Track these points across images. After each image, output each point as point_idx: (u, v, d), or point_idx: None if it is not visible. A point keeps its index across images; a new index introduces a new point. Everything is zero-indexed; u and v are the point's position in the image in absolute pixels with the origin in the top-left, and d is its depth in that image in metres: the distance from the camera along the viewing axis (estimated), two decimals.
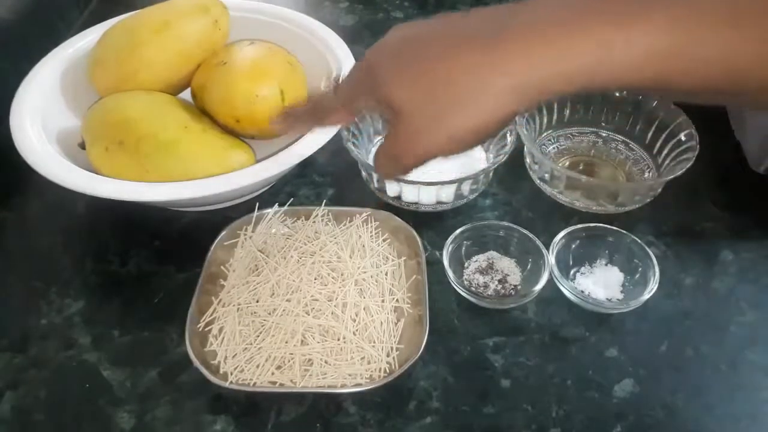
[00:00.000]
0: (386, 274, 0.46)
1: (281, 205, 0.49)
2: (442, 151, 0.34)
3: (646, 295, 0.44)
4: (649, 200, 0.52)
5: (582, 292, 0.46)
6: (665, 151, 0.53)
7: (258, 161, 0.48)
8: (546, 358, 0.43)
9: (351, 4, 0.77)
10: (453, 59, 0.31)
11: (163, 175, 0.46)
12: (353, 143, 0.52)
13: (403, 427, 0.40)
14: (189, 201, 0.49)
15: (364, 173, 0.53)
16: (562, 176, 0.51)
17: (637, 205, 0.52)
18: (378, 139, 0.57)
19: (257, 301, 0.43)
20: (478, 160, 0.54)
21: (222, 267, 0.46)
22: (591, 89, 0.30)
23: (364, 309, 0.43)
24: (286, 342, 0.41)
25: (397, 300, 0.44)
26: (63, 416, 0.41)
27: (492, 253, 0.49)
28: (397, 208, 0.51)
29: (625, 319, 0.45)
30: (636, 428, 0.40)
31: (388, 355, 0.41)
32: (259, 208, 0.49)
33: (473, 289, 0.46)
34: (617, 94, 0.56)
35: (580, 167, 0.56)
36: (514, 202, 0.53)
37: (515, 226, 0.48)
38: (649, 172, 0.54)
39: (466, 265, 0.48)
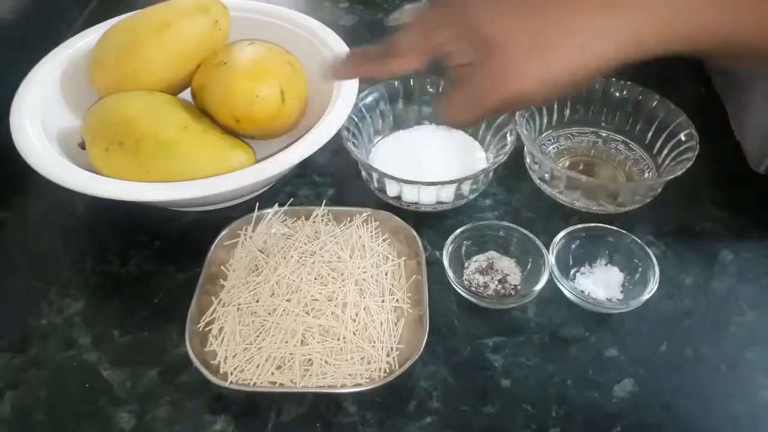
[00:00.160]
0: (386, 274, 0.46)
1: (281, 205, 0.49)
2: (531, 92, 0.32)
3: (646, 295, 0.44)
4: (649, 200, 0.52)
5: (582, 292, 0.46)
6: (665, 151, 0.53)
7: (258, 161, 0.48)
8: (546, 358, 0.43)
9: (351, 4, 0.77)
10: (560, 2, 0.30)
11: (163, 175, 0.46)
12: (353, 143, 0.52)
13: (403, 427, 0.40)
14: (189, 201, 0.49)
15: (364, 173, 0.53)
16: (562, 176, 0.51)
17: (637, 205, 0.52)
18: (378, 139, 0.57)
19: (257, 301, 0.43)
20: (478, 160, 0.54)
21: (222, 267, 0.46)
22: (682, 51, 0.30)
23: (364, 309, 0.43)
24: (286, 342, 0.41)
25: (397, 300, 0.44)
26: (63, 416, 0.41)
27: (492, 253, 0.49)
28: (397, 208, 0.51)
29: (625, 319, 0.45)
30: (636, 428, 0.40)
31: (388, 355, 0.41)
32: (259, 208, 0.49)
33: (473, 289, 0.46)
34: (617, 94, 0.56)
35: (580, 167, 0.56)
36: (514, 202, 0.53)
37: (515, 226, 0.48)
38: (649, 172, 0.54)
39: (466, 265, 0.48)
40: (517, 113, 0.53)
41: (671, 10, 0.30)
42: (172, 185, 0.44)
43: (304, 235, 0.47)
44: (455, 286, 0.46)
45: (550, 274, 0.46)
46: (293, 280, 0.44)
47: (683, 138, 0.52)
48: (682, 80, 0.63)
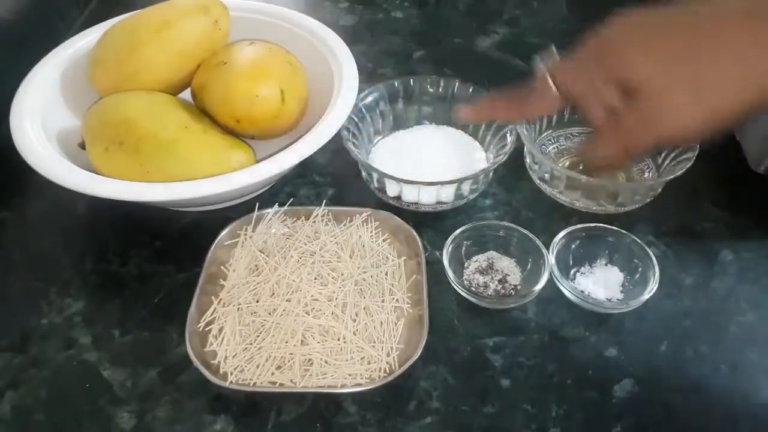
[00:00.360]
0: (386, 274, 0.46)
1: (281, 205, 0.49)
2: (687, 133, 0.32)
3: (646, 295, 0.44)
4: (649, 200, 0.52)
5: (582, 292, 0.46)
6: (665, 151, 0.53)
7: (258, 161, 0.48)
8: (546, 357, 0.43)
9: (351, 4, 0.77)
10: (717, 40, 0.31)
11: (163, 175, 0.46)
12: (353, 143, 0.52)
13: (403, 427, 0.40)
14: (189, 201, 0.49)
15: (364, 173, 0.53)
16: (562, 176, 0.51)
17: (637, 205, 0.52)
18: (378, 139, 0.57)
19: (257, 301, 0.43)
20: (478, 160, 0.54)
21: (222, 267, 0.46)
22: None
23: (364, 309, 0.43)
24: (286, 342, 0.41)
25: (396, 300, 0.44)
26: (63, 416, 0.41)
27: (492, 253, 0.49)
28: (397, 208, 0.51)
29: (625, 319, 0.45)
30: (635, 428, 0.40)
31: (388, 355, 0.41)
32: (259, 208, 0.49)
33: (473, 289, 0.46)
34: None
35: (580, 167, 0.55)
36: (514, 202, 0.53)
37: (515, 226, 0.48)
38: (649, 172, 0.54)
39: (466, 265, 0.48)
40: None
41: None
42: (172, 185, 0.44)
43: (304, 235, 0.47)
44: (455, 286, 0.46)
45: (550, 274, 0.46)
46: (293, 280, 0.44)
47: None
48: None
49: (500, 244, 0.49)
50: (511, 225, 0.49)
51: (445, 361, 0.43)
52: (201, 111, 0.52)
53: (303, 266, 0.44)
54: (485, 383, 0.42)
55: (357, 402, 0.41)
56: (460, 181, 0.49)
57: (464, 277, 0.47)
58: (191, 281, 0.45)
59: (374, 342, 0.42)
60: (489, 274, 0.47)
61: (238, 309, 0.43)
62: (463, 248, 0.48)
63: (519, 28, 0.74)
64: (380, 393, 0.41)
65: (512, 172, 0.55)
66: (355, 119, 0.53)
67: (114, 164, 0.47)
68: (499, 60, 0.69)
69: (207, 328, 0.43)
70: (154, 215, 0.51)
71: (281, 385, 0.40)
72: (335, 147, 0.50)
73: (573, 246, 0.48)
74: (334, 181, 0.55)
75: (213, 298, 0.44)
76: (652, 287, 0.44)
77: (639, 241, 0.47)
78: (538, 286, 0.45)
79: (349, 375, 0.40)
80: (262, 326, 0.42)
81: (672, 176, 0.49)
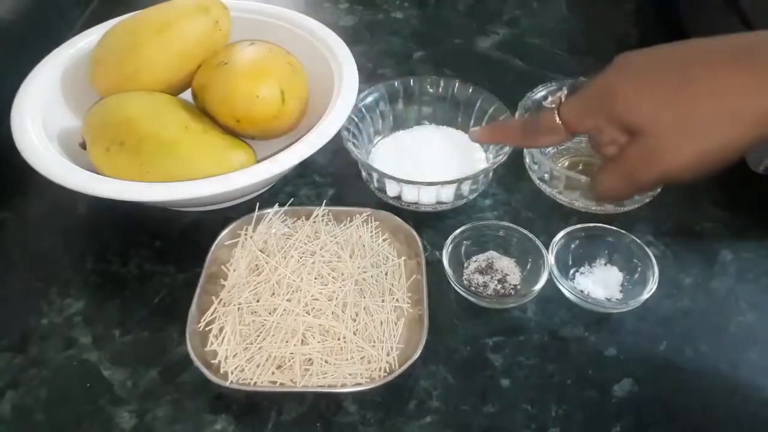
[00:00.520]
0: (386, 274, 0.46)
1: (281, 205, 0.49)
2: (688, 169, 0.34)
3: (646, 295, 0.44)
4: (648, 200, 0.52)
5: (581, 291, 0.46)
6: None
7: (258, 161, 0.48)
8: (546, 357, 0.43)
9: (351, 5, 0.77)
10: (710, 79, 0.32)
11: (163, 175, 0.46)
12: (353, 143, 0.52)
13: (403, 427, 0.40)
14: (189, 201, 0.49)
15: (364, 173, 0.53)
16: (562, 176, 0.51)
17: (636, 205, 0.52)
18: (378, 139, 0.57)
19: (257, 301, 0.43)
20: (478, 160, 0.54)
21: (222, 267, 0.46)
22: None
23: (364, 309, 0.43)
24: (287, 342, 0.41)
25: (397, 300, 0.44)
26: (63, 416, 0.41)
27: (492, 253, 0.49)
28: (397, 208, 0.51)
29: (624, 319, 0.45)
30: (635, 428, 0.40)
31: (388, 355, 0.41)
32: (259, 208, 0.49)
33: (473, 288, 0.46)
34: None
35: (580, 167, 0.56)
36: (513, 202, 0.54)
37: (515, 226, 0.48)
38: None
39: (465, 264, 0.48)
40: (517, 113, 0.53)
41: None
42: (172, 185, 0.44)
43: (304, 235, 0.47)
44: (455, 286, 0.46)
45: (550, 274, 0.46)
46: (293, 280, 0.44)
47: None
48: None
49: (500, 244, 0.49)
50: (510, 225, 0.49)
51: (445, 361, 0.43)
52: (201, 111, 0.52)
53: (303, 266, 0.44)
54: (485, 383, 0.42)
55: (357, 401, 0.41)
56: (460, 181, 0.49)
57: (464, 277, 0.47)
58: (191, 281, 0.45)
59: (374, 342, 0.42)
60: (489, 273, 0.47)
61: (239, 309, 0.43)
62: (463, 248, 0.48)
63: (519, 28, 0.74)
64: (380, 392, 0.41)
65: (512, 172, 0.55)
66: (355, 119, 0.53)
67: (115, 164, 0.47)
68: (499, 60, 0.69)
69: (207, 328, 0.43)
70: (155, 215, 0.52)
71: (281, 384, 0.40)
72: (335, 147, 0.50)
73: (572, 246, 0.48)
74: (334, 181, 0.55)
75: (213, 297, 0.44)
76: (652, 287, 0.44)
77: (638, 241, 0.47)
78: (538, 286, 0.45)
79: (349, 375, 0.40)
80: (263, 326, 0.42)
81: None
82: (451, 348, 0.44)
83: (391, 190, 0.51)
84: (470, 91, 0.56)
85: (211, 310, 0.43)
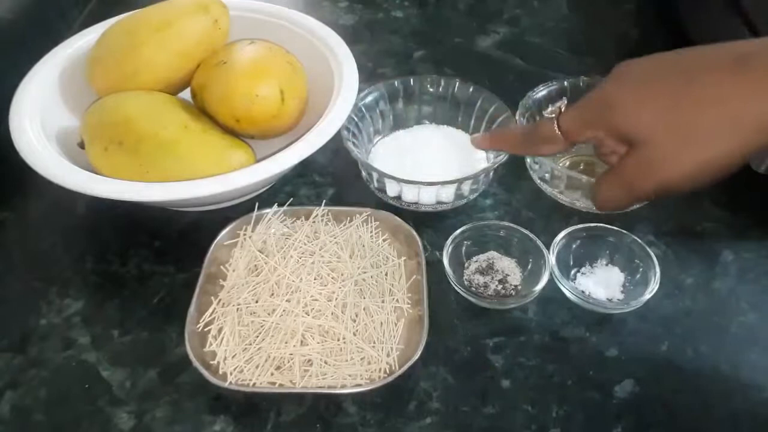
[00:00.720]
0: (386, 274, 0.46)
1: (281, 205, 0.49)
2: (688, 178, 0.34)
3: (647, 296, 0.44)
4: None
5: (582, 292, 0.46)
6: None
7: (258, 161, 0.48)
8: (546, 358, 0.43)
9: (350, 4, 0.77)
10: (710, 86, 0.32)
11: (162, 175, 0.45)
12: (353, 143, 0.52)
13: (403, 428, 0.40)
14: (188, 201, 0.49)
15: (364, 173, 0.53)
16: (563, 176, 0.51)
17: (637, 205, 0.52)
18: (378, 139, 0.57)
19: (257, 302, 0.43)
20: (478, 160, 0.54)
21: (222, 267, 0.46)
22: None
23: (363, 309, 0.43)
24: (286, 342, 0.41)
25: (397, 300, 0.44)
26: (63, 416, 0.41)
27: (492, 253, 0.49)
28: (397, 208, 0.51)
29: (625, 320, 0.45)
30: (636, 428, 0.40)
31: (388, 356, 0.41)
32: (258, 208, 0.49)
33: (473, 289, 0.46)
34: None
35: (581, 167, 0.56)
36: (514, 202, 0.53)
37: (515, 226, 0.48)
38: None
39: (466, 265, 0.48)
40: (517, 113, 0.53)
41: None
42: (172, 185, 0.44)
43: (303, 235, 0.47)
44: (455, 286, 0.46)
45: (551, 274, 0.46)
46: (293, 281, 0.43)
47: None
48: None
49: (500, 244, 0.49)
50: (511, 225, 0.49)
51: (445, 362, 0.43)
52: (201, 111, 0.51)
53: (303, 266, 0.44)
54: (485, 384, 0.42)
55: (357, 402, 0.41)
56: (460, 181, 0.49)
57: (464, 277, 0.47)
58: (191, 281, 0.45)
59: (374, 342, 0.42)
60: (489, 274, 0.47)
61: (238, 309, 0.43)
62: (463, 248, 0.48)
63: (519, 27, 0.74)
64: (380, 393, 0.41)
65: (512, 172, 0.55)
66: (355, 119, 0.53)
67: (113, 164, 0.47)
68: (500, 59, 0.69)
69: (206, 329, 0.43)
70: (154, 215, 0.51)
71: (281, 385, 0.40)
72: (335, 147, 0.50)
73: (573, 246, 0.48)
74: (334, 181, 0.55)
75: (212, 298, 0.44)
76: (653, 287, 0.44)
77: (640, 241, 0.47)
78: (539, 287, 0.45)
79: (349, 375, 0.40)
80: (262, 326, 0.42)
81: None
82: (452, 349, 0.44)
83: (391, 190, 0.51)
84: (471, 90, 0.56)
85: (210, 310, 0.43)
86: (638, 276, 0.46)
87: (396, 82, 0.56)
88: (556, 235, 0.47)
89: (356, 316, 0.43)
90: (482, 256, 0.48)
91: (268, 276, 0.44)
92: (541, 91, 0.55)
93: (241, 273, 0.45)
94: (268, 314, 0.42)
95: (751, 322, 0.45)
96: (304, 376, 0.40)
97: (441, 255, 0.47)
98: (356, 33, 0.72)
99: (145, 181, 0.44)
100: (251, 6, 0.59)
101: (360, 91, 0.52)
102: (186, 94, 0.53)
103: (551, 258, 0.46)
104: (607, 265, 0.48)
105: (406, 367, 0.40)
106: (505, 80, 0.66)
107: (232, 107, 0.49)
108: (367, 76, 0.64)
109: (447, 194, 0.51)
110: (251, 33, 0.54)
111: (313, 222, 0.48)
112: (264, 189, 0.53)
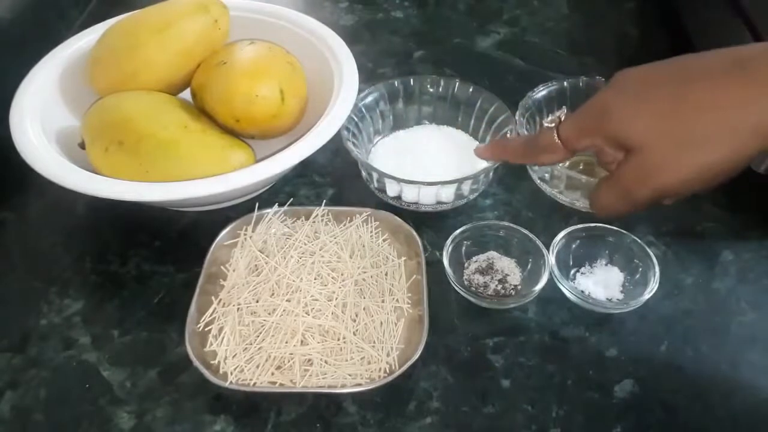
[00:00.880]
0: (386, 274, 0.46)
1: (281, 205, 0.49)
2: (683, 184, 0.34)
3: (647, 296, 0.44)
4: None
5: (582, 292, 0.46)
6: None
7: (258, 161, 0.48)
8: (546, 358, 0.43)
9: (351, 4, 0.77)
10: (709, 92, 0.32)
11: (162, 175, 0.45)
12: (353, 143, 0.52)
13: (403, 427, 0.40)
14: (188, 201, 0.49)
15: (364, 173, 0.53)
16: (562, 176, 0.51)
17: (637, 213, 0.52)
18: (378, 139, 0.57)
19: (257, 301, 0.43)
20: (478, 160, 0.54)
21: (222, 267, 0.46)
22: None
23: (364, 309, 0.43)
24: (286, 342, 0.41)
25: (397, 300, 0.44)
26: (63, 416, 0.41)
27: (492, 253, 0.49)
28: (397, 208, 0.51)
29: (625, 320, 0.45)
30: (636, 428, 0.40)
31: (388, 355, 0.41)
32: (259, 208, 0.49)
33: (473, 289, 0.46)
34: None
35: (580, 167, 0.56)
36: (514, 202, 0.53)
37: (515, 226, 0.48)
38: None
39: (466, 265, 0.48)
40: (517, 113, 0.53)
41: None
42: (172, 185, 0.44)
43: (303, 235, 0.47)
44: (455, 286, 0.46)
45: (551, 274, 0.46)
46: (293, 280, 0.43)
47: None
48: None
49: (500, 244, 0.49)
50: (511, 225, 0.49)
51: (445, 362, 0.43)
52: (201, 111, 0.51)
53: (303, 266, 0.44)
54: (485, 383, 0.42)
55: (357, 402, 0.41)
56: (460, 181, 0.49)
57: (464, 277, 0.47)
58: (191, 281, 0.45)
59: (374, 342, 0.42)
60: (489, 274, 0.47)
61: (238, 309, 0.43)
62: (463, 248, 0.48)
63: (519, 27, 0.74)
64: (380, 393, 0.41)
65: (512, 172, 0.55)
66: (355, 119, 0.53)
67: (114, 164, 0.47)
68: (500, 60, 0.69)
69: (207, 328, 0.43)
70: (154, 215, 0.51)
71: (281, 385, 0.40)
72: (335, 147, 0.50)
73: (573, 246, 0.48)
74: (334, 181, 0.55)
75: (213, 298, 0.44)
76: (653, 287, 0.44)
77: (639, 241, 0.47)
78: (539, 286, 0.45)
79: (349, 375, 0.40)
80: (262, 326, 0.42)
81: None
82: (452, 348, 0.44)
83: (391, 190, 0.51)
84: (470, 90, 0.56)
85: (211, 310, 0.43)
86: (638, 276, 0.46)
87: (396, 83, 0.56)
88: (555, 235, 0.47)
89: (356, 315, 0.43)
90: (482, 256, 0.48)
91: (269, 276, 0.44)
92: (540, 92, 0.55)
93: (242, 273, 0.45)
94: (269, 314, 0.42)
95: (751, 322, 0.45)
96: (305, 375, 0.40)
97: (441, 255, 0.47)
98: (356, 33, 0.72)
99: (145, 181, 0.44)
100: (251, 6, 0.59)
101: (360, 91, 0.52)
102: (186, 94, 0.53)
103: (551, 258, 0.46)
104: (606, 265, 0.48)
105: (406, 366, 0.40)
106: (505, 80, 0.66)
107: (232, 107, 0.49)
108: (367, 76, 0.64)
109: (447, 194, 0.51)
110: (251, 33, 0.54)
111: (313, 222, 0.48)
112: (264, 189, 0.53)
